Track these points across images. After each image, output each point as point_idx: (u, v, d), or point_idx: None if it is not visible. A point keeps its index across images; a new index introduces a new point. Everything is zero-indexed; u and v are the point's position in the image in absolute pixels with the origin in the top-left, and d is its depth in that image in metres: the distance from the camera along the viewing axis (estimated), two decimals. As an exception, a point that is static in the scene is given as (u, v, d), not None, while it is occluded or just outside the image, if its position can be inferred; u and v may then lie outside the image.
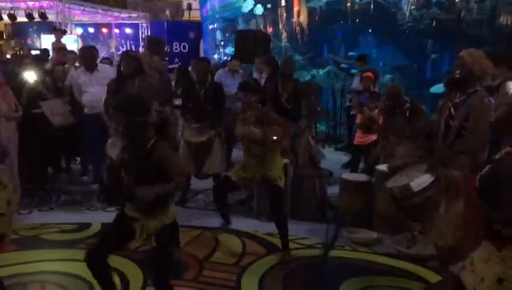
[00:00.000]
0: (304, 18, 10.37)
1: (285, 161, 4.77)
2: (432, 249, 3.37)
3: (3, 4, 11.71)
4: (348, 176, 4.83)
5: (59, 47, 6.81)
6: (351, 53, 8.99)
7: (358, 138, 5.58)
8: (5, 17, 11.82)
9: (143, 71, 5.02)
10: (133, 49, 12.89)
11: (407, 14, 8.75)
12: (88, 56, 5.43)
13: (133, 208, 2.61)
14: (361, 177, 4.67)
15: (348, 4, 9.56)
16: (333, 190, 4.95)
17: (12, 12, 11.66)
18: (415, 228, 3.95)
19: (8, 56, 9.11)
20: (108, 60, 7.95)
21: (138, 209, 2.58)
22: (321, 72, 9.59)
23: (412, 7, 8.72)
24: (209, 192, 5.21)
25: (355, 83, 6.94)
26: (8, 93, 4.97)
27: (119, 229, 2.69)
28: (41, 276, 3.49)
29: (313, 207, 4.63)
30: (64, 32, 9.21)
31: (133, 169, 2.54)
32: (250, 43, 7.60)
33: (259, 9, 10.74)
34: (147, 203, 2.46)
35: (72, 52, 6.94)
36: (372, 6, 9.12)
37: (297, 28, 10.35)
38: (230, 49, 11.19)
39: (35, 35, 13.04)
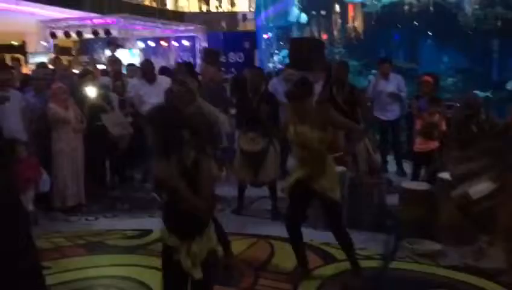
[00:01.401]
0: (359, 23, 10.21)
1: (342, 168, 4.70)
2: (503, 262, 3.16)
3: (71, 22, 12.48)
4: (408, 184, 4.66)
5: (113, 59, 7.18)
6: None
7: (419, 144, 5.37)
8: (73, 35, 12.56)
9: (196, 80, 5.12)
10: (191, 61, 13.26)
11: (470, 14, 8.36)
12: (149, 68, 5.67)
13: (172, 234, 2.26)
14: (422, 185, 4.49)
15: (406, 7, 9.30)
16: (393, 199, 4.79)
17: (79, 30, 12.39)
18: (483, 240, 3.73)
19: (76, 71, 9.68)
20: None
21: (177, 233, 2.24)
22: (378, 77, 9.35)
23: (475, 7, 8.33)
24: (264, 200, 5.23)
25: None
26: (74, 106, 5.29)
27: (178, 274, 2.25)
28: (105, 280, 3.63)
29: (372, 216, 4.50)
30: (118, 46, 9.63)
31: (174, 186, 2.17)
32: (304, 50, 7.56)
33: (303, 18, 10.72)
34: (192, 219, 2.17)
35: (131, 64, 7.27)
36: (431, 8, 8.81)
37: (353, 33, 10.20)
38: (278, 58, 11.26)
39: (100, 51, 13.78)
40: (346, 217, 4.56)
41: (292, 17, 11.00)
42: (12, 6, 12.24)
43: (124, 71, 7.13)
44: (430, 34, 9.07)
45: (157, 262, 2.54)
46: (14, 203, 0.98)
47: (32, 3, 12.61)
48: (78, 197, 5.30)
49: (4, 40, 17.00)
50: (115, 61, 7.02)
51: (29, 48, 14.65)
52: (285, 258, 3.92)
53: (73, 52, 15.85)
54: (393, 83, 6.60)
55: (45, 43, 13.08)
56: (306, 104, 3.33)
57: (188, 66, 5.17)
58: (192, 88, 3.88)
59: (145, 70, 5.76)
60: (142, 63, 6.39)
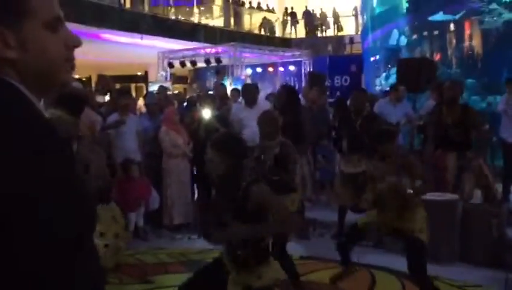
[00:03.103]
0: (476, 41, 9.50)
1: (454, 196, 4.32)
2: None
3: (186, 53, 13.43)
4: (533, 216, 4.12)
5: (217, 84, 7.58)
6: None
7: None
8: (188, 64, 13.49)
9: (295, 104, 5.09)
10: (296, 86, 13.42)
11: None
12: (249, 92, 5.83)
13: (229, 257, 2.28)
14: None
15: (533, 23, 8.45)
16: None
17: (193, 59, 13.27)
18: None
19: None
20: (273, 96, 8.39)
21: (233, 259, 2.24)
22: (498, 98, 8.54)
23: None
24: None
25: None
26: (183, 129, 5.61)
27: (213, 277, 2.35)
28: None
29: (488, 250, 4.03)
30: (225, 73, 10.11)
31: (228, 216, 2.23)
32: (413, 71, 7.20)
33: (403, 40, 10.30)
34: (240, 251, 2.16)
35: (235, 89, 7.60)
36: None
37: (470, 52, 9.52)
38: (380, 80, 10.97)
39: (212, 78, 14.58)
40: (459, 250, 4.17)
41: (392, 40, 10.69)
42: (137, 40, 13.55)
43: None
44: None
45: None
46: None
47: (154, 37, 13.85)
48: (185, 216, 5.55)
49: (130, 71, 18.93)
50: (219, 87, 7.39)
51: (150, 77, 16.09)
52: (387, 289, 3.67)
53: (189, 81, 17.01)
54: None
55: (163, 73, 14.22)
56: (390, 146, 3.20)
57: (289, 91, 5.21)
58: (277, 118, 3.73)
59: (246, 93, 5.94)
60: (243, 86, 6.61)
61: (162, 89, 7.67)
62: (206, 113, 5.80)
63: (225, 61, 13.24)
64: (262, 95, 7.14)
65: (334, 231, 5.10)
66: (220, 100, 6.73)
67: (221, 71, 9.88)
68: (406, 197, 3.08)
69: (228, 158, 2.20)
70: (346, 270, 3.70)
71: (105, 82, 6.55)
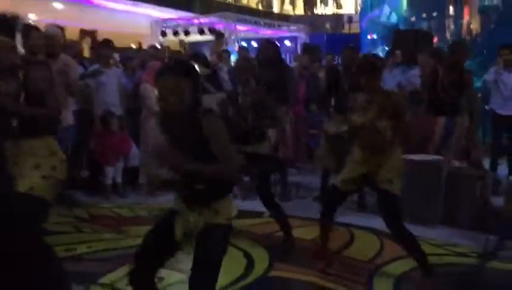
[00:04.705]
0: (475, 21, 9.34)
1: (438, 157, 4.20)
2: None
3: (180, 22, 13.16)
4: (518, 181, 4.01)
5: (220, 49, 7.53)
6: None
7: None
8: (181, 34, 13.24)
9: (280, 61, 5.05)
10: (291, 61, 13.19)
11: None
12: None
13: (179, 198, 2.06)
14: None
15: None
16: (500, 201, 4.14)
17: (186, 29, 13.00)
18: None
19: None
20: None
21: (183, 198, 2.03)
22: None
23: None
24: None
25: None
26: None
27: (162, 231, 2.07)
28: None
29: (471, 213, 3.92)
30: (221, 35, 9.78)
31: (179, 144, 2.00)
32: (409, 42, 7.04)
33: (393, 18, 10.16)
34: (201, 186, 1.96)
35: (226, 51, 7.47)
36: None
37: (467, 32, 9.38)
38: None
39: (207, 53, 14.31)
40: (442, 213, 4.07)
41: (384, 18, 10.54)
42: (130, 8, 13.24)
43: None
44: None
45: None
46: None
47: (147, 5, 13.54)
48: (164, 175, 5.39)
49: (123, 43, 18.51)
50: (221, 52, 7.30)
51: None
52: (365, 246, 3.57)
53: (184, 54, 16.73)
54: None
55: (158, 45, 13.94)
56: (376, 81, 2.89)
57: (275, 47, 5.14)
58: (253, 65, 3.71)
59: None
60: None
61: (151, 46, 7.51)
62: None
63: (220, 34, 12.97)
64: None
65: (316, 194, 4.99)
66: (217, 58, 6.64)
67: (220, 34, 9.52)
68: (382, 137, 2.82)
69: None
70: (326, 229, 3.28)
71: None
